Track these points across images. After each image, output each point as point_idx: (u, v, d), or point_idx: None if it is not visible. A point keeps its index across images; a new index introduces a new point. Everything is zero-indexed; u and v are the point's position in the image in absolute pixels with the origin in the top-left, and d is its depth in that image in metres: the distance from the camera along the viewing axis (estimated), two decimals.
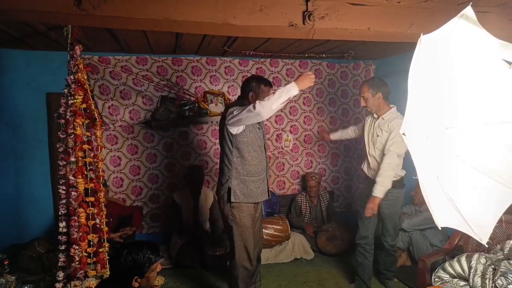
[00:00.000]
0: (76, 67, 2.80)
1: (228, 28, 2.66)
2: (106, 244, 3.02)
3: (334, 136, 4.22)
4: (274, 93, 2.85)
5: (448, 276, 2.96)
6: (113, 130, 4.59)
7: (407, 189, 3.74)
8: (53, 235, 3.16)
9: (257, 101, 2.86)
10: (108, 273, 2.94)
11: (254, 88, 3.11)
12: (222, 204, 3.16)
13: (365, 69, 5.48)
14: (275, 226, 4.48)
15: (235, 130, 3.03)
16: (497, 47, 1.67)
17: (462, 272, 2.88)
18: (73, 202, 2.83)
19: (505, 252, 2.85)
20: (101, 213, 3.00)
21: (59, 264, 2.90)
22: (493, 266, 2.75)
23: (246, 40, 3.85)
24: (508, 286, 2.53)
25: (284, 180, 5.37)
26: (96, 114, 2.99)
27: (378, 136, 3.42)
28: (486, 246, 2.17)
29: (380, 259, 3.85)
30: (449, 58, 1.64)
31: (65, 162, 2.90)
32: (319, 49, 4.43)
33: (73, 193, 2.82)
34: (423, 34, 1.49)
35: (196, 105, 4.67)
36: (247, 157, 3.08)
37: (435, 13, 2.81)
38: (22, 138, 4.38)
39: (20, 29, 3.35)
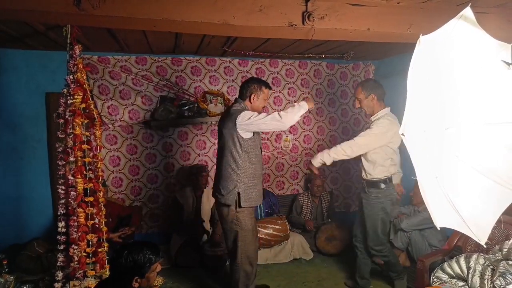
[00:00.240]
0: (76, 67, 2.80)
1: (227, 28, 2.66)
2: (105, 244, 3.02)
3: None
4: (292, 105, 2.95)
5: (446, 276, 2.96)
6: (112, 130, 4.59)
7: (407, 189, 3.75)
8: (52, 235, 3.16)
9: (281, 112, 2.99)
10: (107, 273, 2.94)
11: (255, 90, 3.13)
12: (227, 209, 3.11)
13: (365, 70, 5.49)
14: (274, 226, 4.48)
15: (247, 134, 3.04)
16: (496, 48, 1.67)
17: (460, 273, 2.88)
18: (72, 202, 2.83)
19: (504, 252, 2.85)
20: (100, 213, 3.00)
21: (58, 264, 2.90)
22: (491, 267, 2.75)
23: (246, 40, 3.85)
24: (507, 286, 2.53)
25: (283, 180, 5.37)
26: (95, 114, 2.99)
27: None
28: (485, 246, 2.18)
29: (357, 262, 3.79)
30: (448, 58, 1.64)
31: (64, 162, 2.90)
32: (319, 50, 4.44)
33: (72, 193, 2.82)
34: (422, 35, 1.50)
35: (196, 105, 4.67)
36: (254, 160, 3.10)
37: (435, 14, 2.81)
38: (21, 138, 4.38)
39: (19, 29, 3.35)
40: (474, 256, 2.87)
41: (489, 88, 1.72)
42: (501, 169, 1.72)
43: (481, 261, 2.82)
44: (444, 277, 2.97)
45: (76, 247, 2.82)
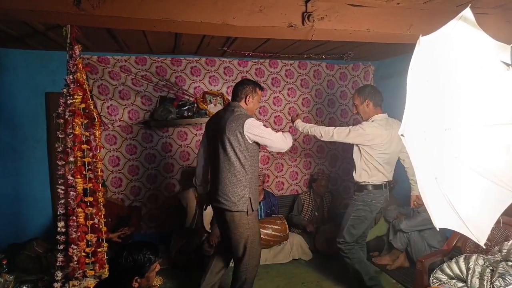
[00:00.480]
0: (75, 67, 2.80)
1: (227, 29, 2.66)
2: (105, 244, 3.02)
3: None
4: None
5: (446, 277, 2.96)
6: (112, 130, 4.59)
7: (406, 190, 3.74)
8: (52, 235, 3.16)
9: (287, 133, 3.15)
10: (107, 273, 2.94)
11: (250, 92, 3.09)
12: (238, 215, 3.00)
13: (364, 70, 5.49)
14: (273, 226, 4.48)
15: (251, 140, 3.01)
16: (496, 49, 1.67)
17: (460, 273, 2.89)
18: (72, 202, 2.83)
19: (503, 253, 2.85)
20: (99, 213, 3.00)
21: (58, 264, 2.90)
22: (491, 268, 2.75)
23: (245, 41, 3.85)
24: (506, 287, 2.53)
25: (282, 180, 5.37)
26: (95, 114, 2.99)
27: None
28: (484, 247, 2.17)
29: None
30: (448, 59, 1.64)
31: (64, 162, 2.90)
32: (318, 50, 4.44)
33: (71, 193, 2.82)
34: (422, 36, 1.50)
35: (195, 105, 4.66)
36: (257, 163, 3.10)
37: (434, 15, 2.81)
38: (21, 138, 4.38)
39: (19, 29, 3.35)
40: (474, 257, 2.87)
41: (488, 89, 1.72)
42: (500, 170, 1.72)
43: (481, 262, 2.82)
44: (444, 278, 2.97)
45: (75, 247, 2.82)
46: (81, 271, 2.85)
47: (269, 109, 5.17)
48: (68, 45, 2.78)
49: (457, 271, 2.90)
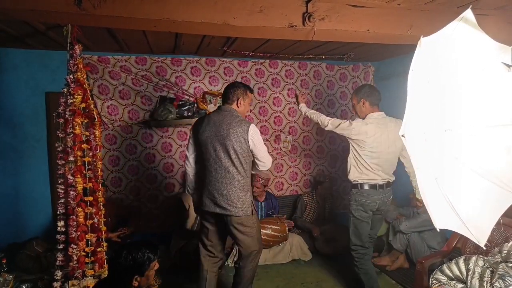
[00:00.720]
0: (76, 66, 2.80)
1: (227, 29, 2.66)
2: (104, 244, 3.02)
3: None
4: None
5: (446, 278, 2.97)
6: (112, 130, 4.59)
7: (406, 191, 3.74)
8: (51, 234, 3.15)
9: (266, 154, 3.07)
10: (106, 272, 2.94)
11: (242, 94, 3.07)
12: (245, 218, 3.00)
13: (364, 71, 5.50)
14: (273, 226, 4.48)
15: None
16: (496, 50, 1.68)
17: (460, 275, 2.89)
18: (72, 202, 2.83)
19: (503, 254, 2.85)
20: (99, 213, 3.00)
21: (57, 263, 2.90)
22: (491, 269, 2.76)
23: (246, 41, 3.86)
24: None
25: (282, 181, 5.37)
26: (95, 114, 2.99)
27: None
28: (484, 248, 2.18)
29: None
30: (449, 60, 1.64)
31: (64, 162, 2.90)
32: (319, 51, 4.44)
33: (71, 192, 2.82)
34: (423, 37, 1.50)
35: (195, 105, 4.67)
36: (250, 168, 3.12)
37: (435, 16, 2.81)
38: (21, 137, 4.38)
39: (19, 28, 3.35)
40: (474, 258, 2.87)
41: (489, 90, 1.72)
42: (500, 171, 1.72)
43: (480, 263, 2.82)
44: (443, 279, 2.97)
45: (75, 246, 2.82)
46: (80, 270, 2.85)
47: (269, 110, 5.17)
48: (68, 44, 2.78)
49: (457, 272, 2.90)
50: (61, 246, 2.89)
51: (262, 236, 4.30)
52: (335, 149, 5.52)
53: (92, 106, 2.96)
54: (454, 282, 2.92)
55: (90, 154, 2.94)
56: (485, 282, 2.69)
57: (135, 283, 2.23)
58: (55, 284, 2.88)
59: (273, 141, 5.24)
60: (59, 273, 2.89)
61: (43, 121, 4.42)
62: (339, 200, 5.53)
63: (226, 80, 4.95)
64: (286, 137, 5.29)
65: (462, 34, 1.60)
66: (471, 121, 1.73)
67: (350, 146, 3.45)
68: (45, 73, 4.35)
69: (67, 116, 2.82)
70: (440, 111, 1.67)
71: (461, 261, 2.93)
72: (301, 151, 5.37)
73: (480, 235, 1.67)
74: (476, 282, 2.75)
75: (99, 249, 2.98)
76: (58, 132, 2.91)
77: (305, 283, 4.07)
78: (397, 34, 2.86)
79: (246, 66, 5.04)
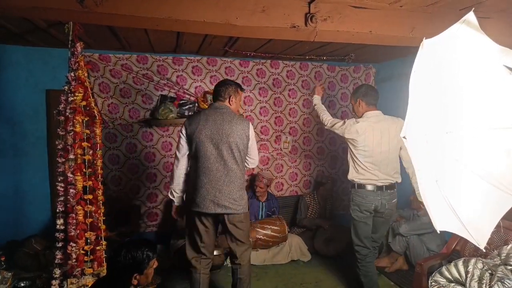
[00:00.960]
0: (77, 64, 2.80)
1: (230, 29, 2.65)
2: (104, 242, 3.02)
3: None
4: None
5: (445, 280, 2.97)
6: (112, 128, 4.58)
7: (406, 192, 3.73)
8: (50, 232, 3.15)
9: (257, 152, 3.20)
10: (105, 271, 2.94)
11: (233, 92, 3.07)
12: (243, 215, 3.06)
13: (365, 73, 5.50)
14: (272, 227, 4.48)
15: None
16: (499, 53, 1.67)
17: (459, 277, 2.89)
18: (71, 200, 2.83)
19: (502, 257, 2.85)
20: (99, 211, 3.00)
21: (56, 261, 2.90)
22: (490, 271, 2.76)
23: (247, 41, 3.86)
24: None
25: (282, 181, 5.37)
26: (95, 112, 2.99)
27: None
28: (484, 250, 2.18)
29: None
30: (451, 62, 1.64)
31: (64, 159, 2.89)
32: (320, 52, 4.44)
33: (71, 190, 2.82)
34: (425, 39, 1.50)
35: (196, 105, 4.67)
36: None
37: (437, 18, 2.81)
38: (21, 135, 4.37)
39: (20, 25, 3.34)
40: (473, 261, 2.87)
41: (490, 93, 1.72)
42: (501, 174, 1.72)
43: (480, 265, 2.82)
44: (442, 281, 2.97)
45: (74, 244, 2.82)
46: (79, 268, 2.85)
47: (269, 110, 5.17)
48: (70, 42, 2.78)
49: (456, 275, 2.90)
50: (60, 244, 2.88)
51: (261, 237, 4.36)
52: (335, 150, 5.52)
53: (92, 104, 2.96)
54: (453, 284, 2.92)
55: (90, 152, 2.94)
56: (484, 285, 2.69)
57: (135, 281, 2.24)
58: (53, 282, 2.88)
59: (274, 141, 5.24)
60: (57, 271, 2.89)
61: (43, 119, 4.42)
62: (338, 201, 5.54)
63: None
64: (287, 137, 5.29)
65: (464, 36, 1.60)
66: (472, 124, 1.73)
67: (348, 147, 3.48)
68: (45, 71, 4.34)
69: (67, 114, 2.82)
70: (441, 113, 1.67)
71: (460, 264, 2.93)
72: (301, 151, 5.38)
73: (480, 238, 1.67)
74: (475, 285, 2.75)
75: (98, 248, 2.98)
76: (58, 130, 2.91)
77: (304, 283, 4.07)
78: (399, 35, 2.86)
79: (247, 66, 5.04)
